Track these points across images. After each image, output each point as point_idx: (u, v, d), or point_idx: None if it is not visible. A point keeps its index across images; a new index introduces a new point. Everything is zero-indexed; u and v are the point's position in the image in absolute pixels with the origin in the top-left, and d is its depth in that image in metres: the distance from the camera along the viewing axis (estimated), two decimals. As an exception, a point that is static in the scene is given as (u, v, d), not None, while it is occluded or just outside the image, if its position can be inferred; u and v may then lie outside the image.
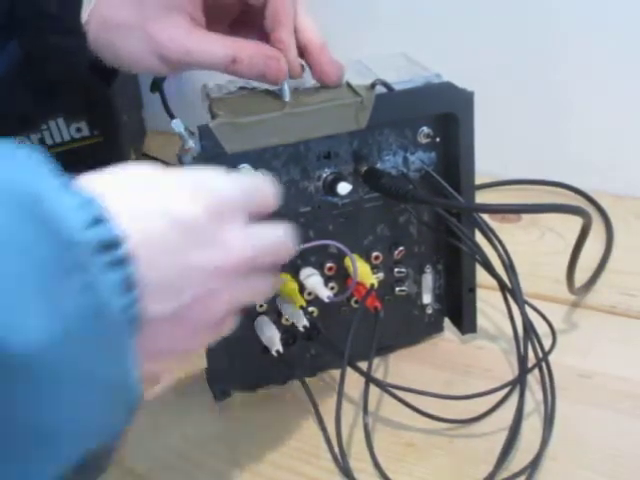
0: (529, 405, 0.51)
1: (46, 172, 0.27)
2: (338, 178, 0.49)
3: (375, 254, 0.53)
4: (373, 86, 0.48)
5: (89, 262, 0.26)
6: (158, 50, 0.46)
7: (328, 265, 0.52)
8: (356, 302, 0.54)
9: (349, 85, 0.48)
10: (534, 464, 0.46)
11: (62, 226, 0.26)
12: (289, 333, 0.53)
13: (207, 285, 0.33)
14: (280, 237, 0.38)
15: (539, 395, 0.50)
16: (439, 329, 0.59)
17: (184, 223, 0.31)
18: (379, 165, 0.51)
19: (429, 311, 0.57)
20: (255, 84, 0.49)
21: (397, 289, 0.55)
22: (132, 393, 0.29)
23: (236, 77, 0.47)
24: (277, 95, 0.47)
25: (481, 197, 0.62)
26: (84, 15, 0.48)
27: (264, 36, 0.48)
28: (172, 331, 0.33)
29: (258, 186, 0.38)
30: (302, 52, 0.48)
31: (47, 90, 0.51)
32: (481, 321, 0.58)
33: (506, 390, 0.51)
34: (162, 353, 0.34)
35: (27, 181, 0.26)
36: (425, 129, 0.51)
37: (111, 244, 0.27)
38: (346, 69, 0.49)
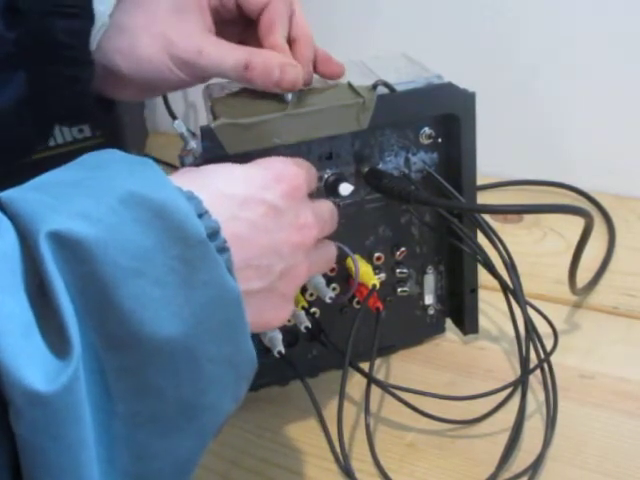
0: (531, 406, 0.51)
1: (166, 182, 0.31)
2: (340, 179, 0.49)
3: (377, 255, 0.53)
4: (375, 87, 0.48)
5: (208, 255, 0.31)
6: (170, 49, 0.47)
7: (329, 266, 0.52)
8: (358, 303, 0.54)
9: (350, 86, 0.48)
10: (536, 465, 0.46)
11: (189, 230, 0.30)
12: (291, 334, 0.53)
13: (292, 260, 0.38)
14: (332, 209, 0.44)
15: (541, 396, 0.50)
16: (441, 330, 0.59)
17: (275, 208, 0.37)
18: (381, 166, 0.51)
19: (431, 312, 0.57)
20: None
21: (399, 290, 0.55)
22: (252, 365, 0.34)
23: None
24: (279, 96, 0.47)
25: (482, 198, 0.62)
26: (93, 44, 0.48)
27: None
28: (265, 304, 0.37)
29: (309, 167, 0.43)
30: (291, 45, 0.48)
31: (50, 120, 0.51)
32: (483, 322, 0.58)
33: (508, 391, 0.51)
34: (258, 326, 0.37)
35: (154, 192, 0.30)
36: (427, 130, 0.51)
37: (214, 233, 0.32)
38: (347, 70, 0.49)
